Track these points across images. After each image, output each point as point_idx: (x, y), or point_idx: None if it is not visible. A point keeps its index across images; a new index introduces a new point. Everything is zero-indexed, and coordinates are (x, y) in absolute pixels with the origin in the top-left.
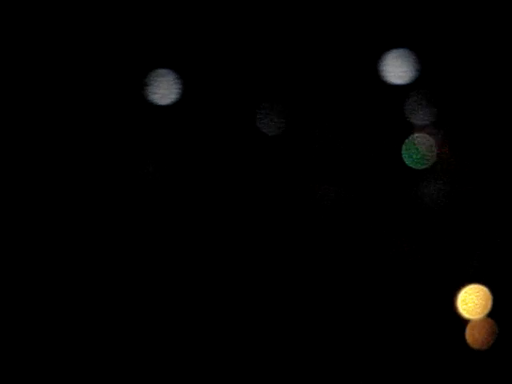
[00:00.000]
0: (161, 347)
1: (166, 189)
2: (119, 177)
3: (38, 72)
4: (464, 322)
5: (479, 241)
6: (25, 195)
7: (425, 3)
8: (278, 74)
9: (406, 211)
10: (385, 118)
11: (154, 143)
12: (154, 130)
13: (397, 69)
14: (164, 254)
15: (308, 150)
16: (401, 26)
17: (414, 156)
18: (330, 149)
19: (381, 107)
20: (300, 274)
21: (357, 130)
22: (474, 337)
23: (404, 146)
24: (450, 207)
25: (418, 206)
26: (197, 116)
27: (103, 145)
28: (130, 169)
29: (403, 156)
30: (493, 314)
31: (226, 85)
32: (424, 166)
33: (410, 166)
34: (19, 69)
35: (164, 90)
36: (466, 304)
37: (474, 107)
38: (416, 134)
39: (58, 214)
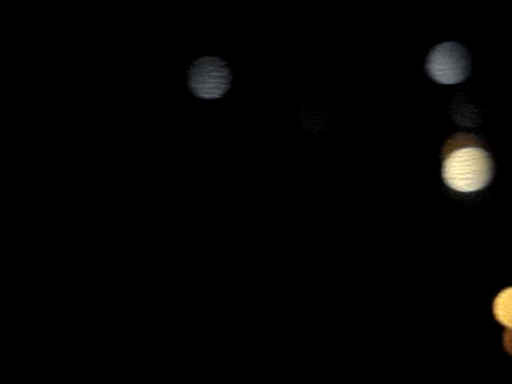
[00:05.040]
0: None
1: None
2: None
3: (79, 65)
4: (502, 328)
5: None
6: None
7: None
8: (322, 71)
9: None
10: (428, 118)
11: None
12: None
13: (445, 66)
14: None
15: (348, 148)
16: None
17: None
18: (368, 147)
19: (425, 106)
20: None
21: (398, 129)
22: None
23: None
24: (490, 209)
25: (458, 207)
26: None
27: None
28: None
29: None
30: None
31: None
32: None
33: None
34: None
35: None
36: (505, 309)
37: None
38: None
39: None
